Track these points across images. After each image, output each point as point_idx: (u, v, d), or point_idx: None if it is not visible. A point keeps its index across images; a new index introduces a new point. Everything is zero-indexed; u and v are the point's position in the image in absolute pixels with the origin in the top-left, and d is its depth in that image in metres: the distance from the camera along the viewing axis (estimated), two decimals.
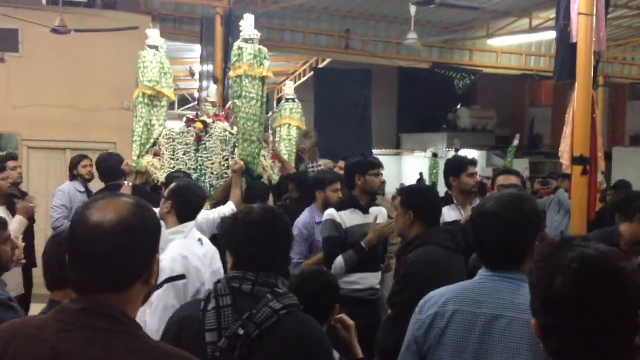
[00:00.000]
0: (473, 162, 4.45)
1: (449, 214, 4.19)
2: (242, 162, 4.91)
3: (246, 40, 4.92)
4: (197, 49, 9.70)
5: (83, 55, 8.42)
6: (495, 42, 9.75)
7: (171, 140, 5.35)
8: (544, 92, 17.00)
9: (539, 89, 17.31)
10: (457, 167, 4.33)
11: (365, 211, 4.23)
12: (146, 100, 5.36)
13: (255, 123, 4.95)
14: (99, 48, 8.39)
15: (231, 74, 5.09)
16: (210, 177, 5.25)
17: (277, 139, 6.50)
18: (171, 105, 9.65)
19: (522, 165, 14.35)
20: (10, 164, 6.01)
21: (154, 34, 5.50)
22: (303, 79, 13.19)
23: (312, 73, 12.52)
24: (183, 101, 12.40)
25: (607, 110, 14.63)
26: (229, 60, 6.05)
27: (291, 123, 6.48)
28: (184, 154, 5.30)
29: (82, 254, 1.40)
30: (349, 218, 4.17)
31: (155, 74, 5.34)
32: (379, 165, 4.34)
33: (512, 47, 10.12)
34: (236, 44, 5.01)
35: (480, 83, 16.25)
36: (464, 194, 4.26)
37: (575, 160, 4.98)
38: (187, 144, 5.30)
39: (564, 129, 5.24)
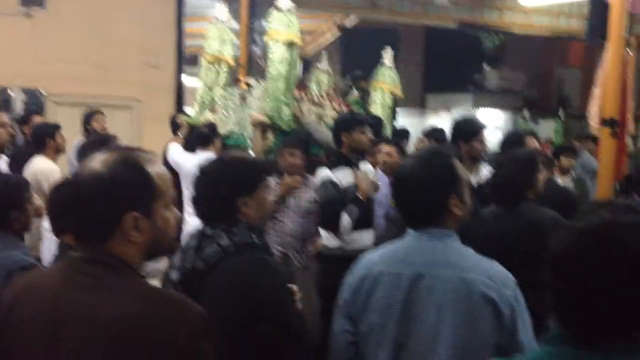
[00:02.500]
0: (484, 127, 4.39)
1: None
2: (259, 116, 5.58)
3: (278, 9, 5.62)
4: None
5: (109, 10, 8.41)
6: (525, 1, 9.52)
7: (223, 99, 6.34)
8: (573, 53, 16.60)
9: (569, 49, 16.91)
10: (469, 131, 4.23)
11: (356, 168, 4.21)
12: (208, 66, 6.49)
13: (279, 83, 5.62)
14: (126, 4, 8.36)
15: (265, 38, 5.84)
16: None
17: (369, 103, 7.36)
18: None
19: (549, 127, 14.17)
20: (36, 118, 6.09)
21: (220, 9, 6.74)
22: (329, 39, 13.03)
23: (338, 33, 12.37)
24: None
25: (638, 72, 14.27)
26: (254, 17, 6.95)
27: (385, 88, 7.33)
28: (232, 111, 6.20)
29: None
30: (341, 176, 4.14)
31: (216, 44, 6.43)
32: (364, 122, 4.29)
33: (543, 6, 9.87)
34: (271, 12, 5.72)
35: (508, 43, 15.96)
36: (472, 160, 4.16)
37: (605, 123, 4.91)
38: (234, 103, 6.22)
39: (594, 90, 5.16)
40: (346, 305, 2.03)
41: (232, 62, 6.68)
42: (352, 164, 4.21)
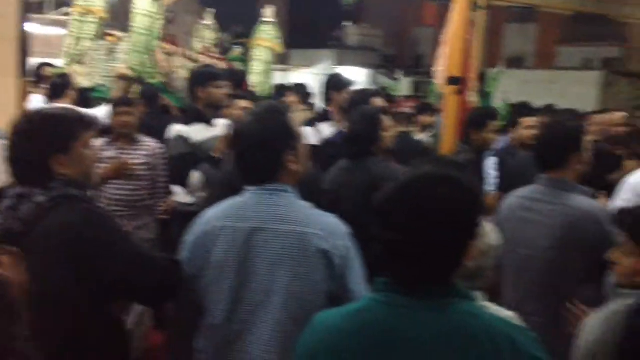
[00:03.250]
0: (351, 83, 4.78)
1: (328, 129, 4.43)
2: (122, 69, 5.68)
3: None
4: None
5: None
6: None
7: (91, 51, 6.49)
8: (428, 12, 17.23)
9: (424, 9, 17.51)
10: (338, 86, 4.59)
11: (210, 123, 4.14)
12: (77, 17, 6.49)
13: (142, 36, 5.89)
14: None
15: None
16: None
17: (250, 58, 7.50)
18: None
19: (406, 85, 14.70)
20: None
21: None
22: None
23: None
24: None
25: (487, 31, 15.06)
26: None
27: (264, 44, 7.45)
28: (100, 63, 6.43)
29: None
30: (196, 132, 4.06)
31: None
32: (219, 76, 4.23)
33: None
34: None
35: (367, 1, 16.26)
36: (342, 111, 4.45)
37: (449, 81, 5.14)
38: (102, 55, 6.47)
39: (439, 49, 5.37)
40: (186, 262, 2.02)
41: (103, 15, 6.62)
42: (206, 119, 4.14)
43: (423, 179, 1.40)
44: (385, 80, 14.99)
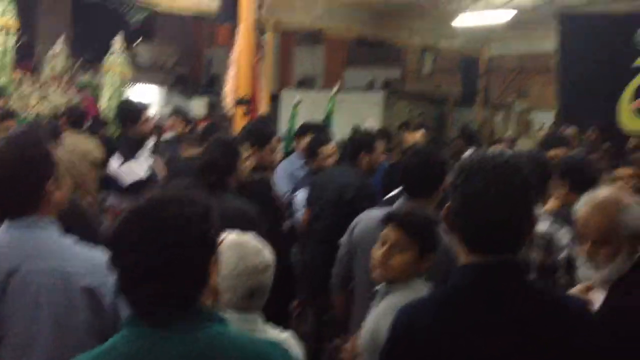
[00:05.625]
0: (147, 107, 4.78)
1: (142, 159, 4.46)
2: None
3: None
4: None
5: None
6: None
7: None
8: (222, 32, 17.35)
9: (217, 29, 17.61)
10: (132, 115, 4.50)
11: None
12: None
13: None
14: None
15: None
16: None
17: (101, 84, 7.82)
18: None
19: (201, 104, 14.60)
20: None
21: None
22: None
23: None
24: None
25: (278, 54, 15.49)
26: None
27: (115, 70, 7.80)
28: None
29: None
30: None
31: None
32: None
33: None
34: None
35: (159, 20, 15.93)
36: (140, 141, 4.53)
37: (238, 102, 5.20)
38: None
39: (228, 71, 5.41)
40: None
41: None
42: None
43: (154, 201, 1.37)
44: (179, 100, 14.78)
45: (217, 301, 1.47)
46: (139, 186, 4.20)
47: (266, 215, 3.26)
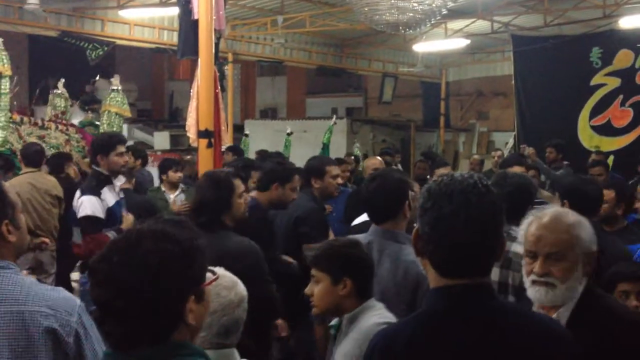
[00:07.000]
0: (123, 141, 4.62)
1: (110, 194, 4.35)
2: None
3: None
4: None
5: None
6: (126, 14, 9.54)
7: None
8: (182, 66, 17.34)
9: (178, 62, 17.61)
10: (106, 145, 4.36)
11: None
12: None
13: None
14: None
15: None
16: None
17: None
18: None
19: (163, 137, 14.48)
20: None
21: None
22: None
23: None
24: None
25: (239, 85, 15.54)
26: None
27: (113, 110, 7.87)
28: None
29: None
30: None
31: None
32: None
33: (145, 19, 10.01)
34: None
35: (119, 55, 15.84)
36: (113, 173, 4.39)
37: (201, 134, 5.13)
38: None
39: (190, 104, 5.36)
40: None
41: None
42: None
43: (129, 236, 1.36)
44: (142, 135, 14.65)
45: (193, 340, 1.42)
46: (89, 223, 4.14)
47: (263, 246, 3.27)
